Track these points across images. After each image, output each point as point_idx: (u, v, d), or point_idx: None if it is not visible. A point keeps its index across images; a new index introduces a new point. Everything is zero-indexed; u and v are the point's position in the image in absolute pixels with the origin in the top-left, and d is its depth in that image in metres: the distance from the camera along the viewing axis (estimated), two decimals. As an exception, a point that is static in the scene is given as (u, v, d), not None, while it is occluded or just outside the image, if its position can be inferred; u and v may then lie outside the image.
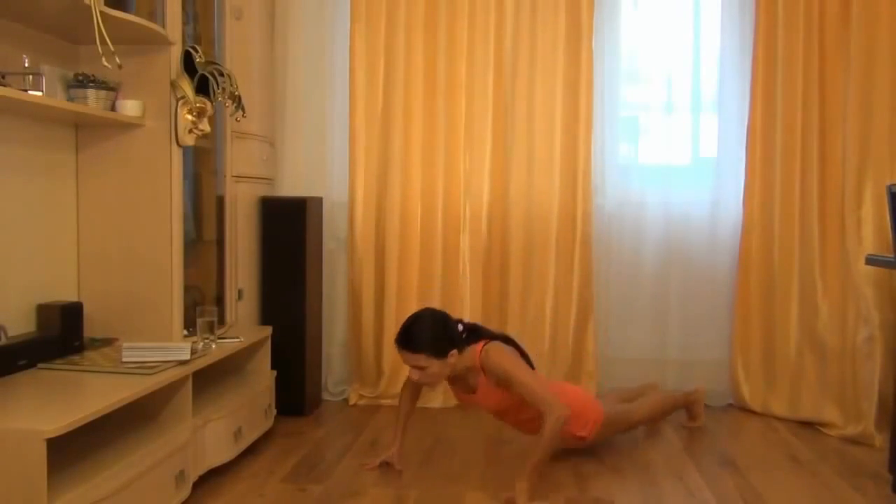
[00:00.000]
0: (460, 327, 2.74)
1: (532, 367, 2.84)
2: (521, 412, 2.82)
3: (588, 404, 2.96)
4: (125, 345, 2.50)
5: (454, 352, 2.64)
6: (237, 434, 2.82)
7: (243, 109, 3.04)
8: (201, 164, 3.11)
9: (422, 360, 2.61)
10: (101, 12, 2.31)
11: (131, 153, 2.75)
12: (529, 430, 2.91)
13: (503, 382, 2.70)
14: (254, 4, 3.46)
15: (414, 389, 2.93)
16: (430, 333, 2.63)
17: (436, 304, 3.74)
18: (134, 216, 2.76)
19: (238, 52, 3.27)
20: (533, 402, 2.62)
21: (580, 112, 3.67)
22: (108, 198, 2.78)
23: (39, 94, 2.34)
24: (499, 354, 2.69)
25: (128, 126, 2.73)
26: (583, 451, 3.02)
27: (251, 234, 3.47)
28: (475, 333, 2.79)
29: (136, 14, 2.55)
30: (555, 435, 2.54)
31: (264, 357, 3.26)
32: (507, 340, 2.86)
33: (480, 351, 2.71)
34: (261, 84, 3.56)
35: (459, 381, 2.78)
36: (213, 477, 2.69)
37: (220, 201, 3.21)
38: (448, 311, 3.70)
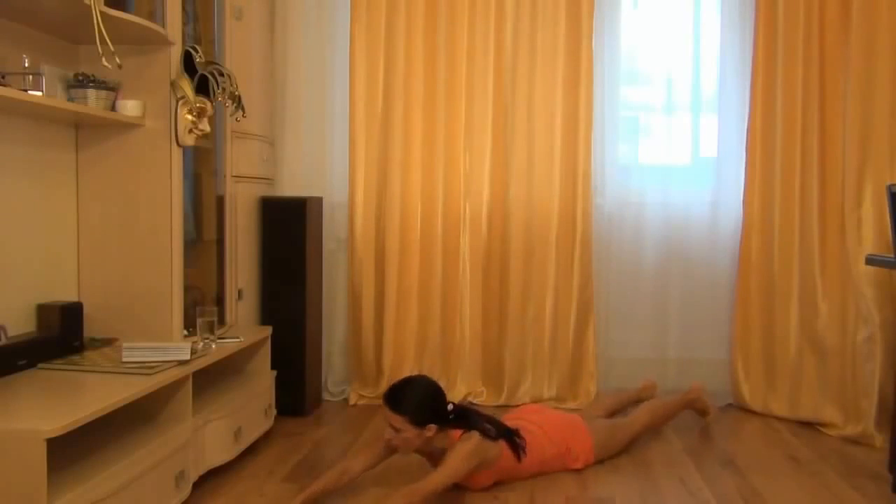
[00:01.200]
0: (450, 407, 2.64)
1: (518, 455, 2.69)
2: (491, 476, 2.71)
3: (576, 436, 2.87)
4: (125, 345, 2.50)
5: (433, 426, 2.56)
6: (237, 434, 2.82)
7: (243, 109, 3.04)
8: (201, 164, 3.11)
9: (399, 421, 2.53)
10: (101, 12, 2.31)
11: (131, 153, 2.75)
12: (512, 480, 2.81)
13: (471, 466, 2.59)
14: (254, 4, 3.46)
15: (372, 456, 2.67)
16: (417, 400, 2.56)
17: (436, 304, 3.76)
18: (134, 216, 2.76)
19: (238, 52, 3.27)
20: (429, 478, 2.49)
21: (580, 112, 3.67)
22: (108, 198, 2.78)
23: (39, 94, 2.34)
24: (462, 447, 2.54)
25: (128, 126, 2.73)
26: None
27: (251, 234, 3.47)
28: (465, 419, 2.66)
29: (136, 14, 2.55)
30: (413, 501, 2.41)
31: (264, 357, 3.26)
32: (508, 432, 2.72)
33: (459, 437, 2.61)
34: (261, 84, 3.57)
35: (436, 460, 2.64)
36: (213, 477, 2.69)
37: (220, 201, 3.21)
38: (448, 311, 3.76)
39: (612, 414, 3.33)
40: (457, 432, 2.62)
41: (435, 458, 2.64)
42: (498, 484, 2.73)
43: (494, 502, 2.60)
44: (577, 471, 2.87)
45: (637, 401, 3.42)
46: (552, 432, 2.86)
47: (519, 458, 2.71)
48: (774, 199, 3.57)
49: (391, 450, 2.65)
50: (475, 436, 2.59)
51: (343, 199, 3.82)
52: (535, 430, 2.83)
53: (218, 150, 3.18)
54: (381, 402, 2.60)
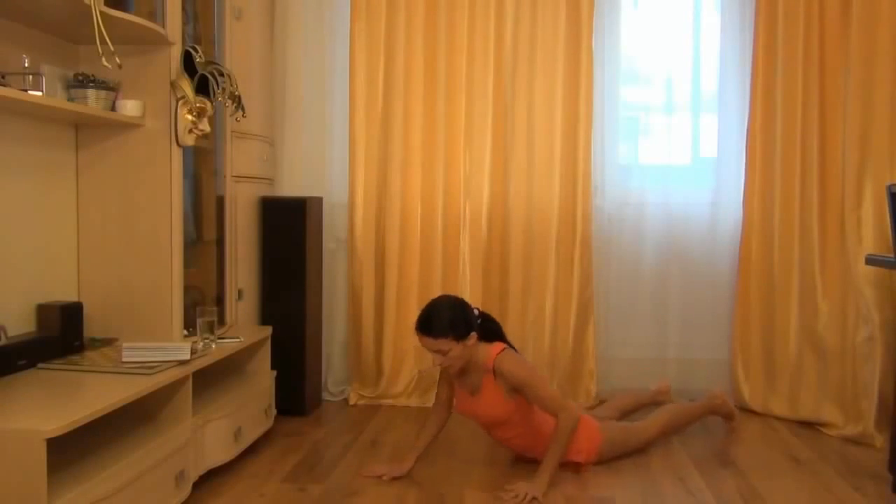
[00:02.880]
0: (476, 312, 2.77)
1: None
2: (514, 427, 2.81)
3: (584, 430, 2.86)
4: (125, 345, 2.50)
5: (474, 334, 2.68)
6: (237, 434, 2.82)
7: (243, 109, 3.04)
8: (201, 164, 3.11)
9: (443, 343, 2.62)
10: (101, 12, 2.31)
11: (131, 153, 2.75)
12: (517, 447, 2.91)
13: (515, 390, 2.72)
14: (254, 4, 3.46)
15: (442, 412, 2.90)
16: (450, 316, 2.65)
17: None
18: (134, 216, 2.76)
19: (238, 52, 3.27)
20: (548, 410, 2.72)
21: (580, 112, 3.67)
22: (108, 198, 2.78)
23: (39, 94, 2.34)
24: (515, 363, 2.73)
25: (128, 126, 2.73)
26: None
27: (251, 234, 3.47)
28: (490, 329, 2.80)
29: (136, 14, 2.55)
30: (568, 431, 2.68)
31: (264, 357, 3.26)
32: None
33: (496, 356, 2.72)
34: (261, 84, 3.56)
35: (466, 378, 2.77)
36: (213, 477, 2.69)
37: (220, 201, 3.21)
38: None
39: (625, 415, 3.32)
40: (490, 347, 2.75)
41: (470, 379, 2.78)
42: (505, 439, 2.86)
43: (495, 502, 2.60)
44: (576, 465, 2.86)
45: (652, 404, 3.39)
46: None
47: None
48: (774, 199, 3.57)
49: (447, 378, 2.86)
50: (510, 351, 2.78)
51: (343, 199, 3.82)
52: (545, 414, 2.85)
53: (218, 150, 3.18)
54: (416, 333, 2.69)
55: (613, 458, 2.98)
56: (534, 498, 2.57)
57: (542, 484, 2.62)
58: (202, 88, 2.79)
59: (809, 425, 3.45)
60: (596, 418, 3.01)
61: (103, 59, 2.30)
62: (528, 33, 3.69)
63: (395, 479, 2.76)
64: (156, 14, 2.69)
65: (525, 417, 2.79)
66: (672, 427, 3.22)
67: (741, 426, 3.46)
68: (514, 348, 2.86)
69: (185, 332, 2.85)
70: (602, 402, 3.60)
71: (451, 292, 3.75)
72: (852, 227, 3.37)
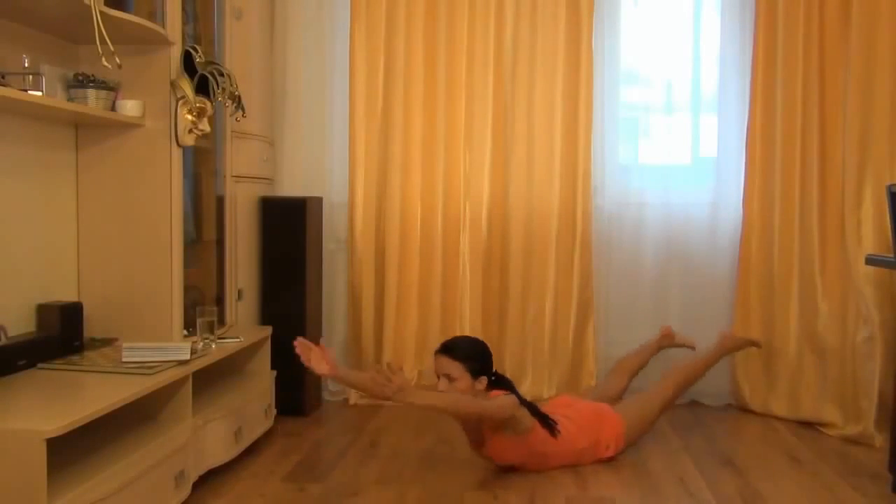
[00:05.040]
0: (494, 370, 2.83)
1: (552, 432, 2.76)
2: (534, 464, 2.81)
3: (605, 424, 2.93)
4: (125, 345, 2.50)
5: (484, 379, 2.71)
6: (237, 434, 2.82)
7: (243, 109, 3.04)
8: (201, 164, 3.11)
9: (455, 369, 2.67)
10: (101, 12, 2.31)
11: (131, 153, 2.75)
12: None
13: (518, 433, 2.71)
14: (254, 4, 3.46)
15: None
16: (473, 350, 2.74)
17: (436, 304, 3.76)
18: (134, 216, 2.76)
19: (238, 52, 3.27)
20: (501, 416, 2.64)
21: (580, 112, 3.67)
22: (108, 198, 2.78)
23: (39, 94, 2.34)
24: (504, 398, 2.69)
25: (128, 126, 2.73)
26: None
27: (251, 234, 3.47)
28: (506, 383, 2.83)
29: (136, 14, 2.55)
30: (485, 409, 2.60)
31: (264, 357, 3.26)
32: (542, 414, 2.79)
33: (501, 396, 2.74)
34: (261, 84, 3.56)
35: (472, 427, 2.77)
36: (213, 477, 2.69)
37: (220, 201, 3.21)
38: (448, 311, 3.76)
39: (635, 373, 3.34)
40: (497, 393, 2.75)
41: (477, 428, 2.75)
42: (526, 470, 2.79)
43: (495, 502, 2.60)
44: (609, 459, 2.92)
45: (658, 349, 3.42)
46: (582, 423, 2.91)
47: (555, 436, 2.76)
48: (774, 199, 3.57)
49: None
50: (514, 397, 2.72)
51: (343, 199, 3.82)
52: (567, 423, 2.87)
53: (218, 150, 3.18)
54: (435, 354, 2.73)
55: (640, 435, 3.05)
56: (399, 390, 2.51)
57: (412, 392, 2.58)
58: (202, 88, 2.79)
59: (809, 425, 3.45)
60: (612, 405, 3.04)
61: (103, 59, 2.30)
62: (528, 33, 3.69)
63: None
64: (156, 14, 2.69)
65: (531, 449, 2.78)
66: (687, 383, 3.25)
67: (741, 426, 3.46)
68: (545, 417, 2.79)
69: (185, 332, 2.85)
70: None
71: (451, 292, 3.76)
72: (852, 228, 3.37)
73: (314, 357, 2.68)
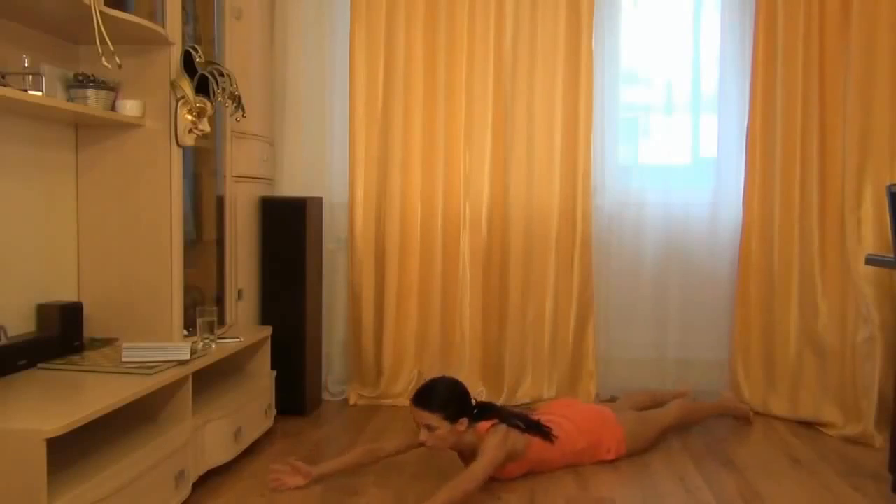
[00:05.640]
0: (473, 402, 2.75)
1: (549, 439, 2.78)
2: (536, 470, 2.82)
3: (606, 427, 2.95)
4: (125, 345, 2.50)
5: (464, 420, 2.66)
6: (237, 434, 2.82)
7: (243, 109, 3.04)
8: (201, 164, 3.11)
9: (433, 419, 2.61)
10: (101, 12, 2.31)
11: (131, 153, 2.75)
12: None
13: (510, 457, 2.70)
14: (254, 4, 3.46)
15: (378, 453, 2.80)
16: (446, 396, 2.66)
17: (436, 304, 3.76)
18: (134, 216, 2.76)
19: (238, 52, 3.27)
20: (471, 469, 2.58)
21: (580, 112, 3.67)
22: (108, 198, 2.78)
23: (39, 94, 2.34)
24: (492, 439, 2.65)
25: (128, 126, 2.73)
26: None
27: (251, 234, 3.47)
28: (488, 411, 2.78)
29: (136, 14, 2.55)
30: (459, 492, 2.49)
31: (264, 357, 3.26)
32: (534, 423, 2.80)
33: (487, 430, 2.71)
34: (261, 84, 3.56)
35: (467, 457, 2.75)
36: (213, 477, 2.69)
37: (220, 201, 3.21)
38: (448, 311, 3.76)
39: (643, 410, 3.32)
40: (484, 425, 2.72)
41: (466, 454, 2.73)
42: (530, 474, 2.80)
43: (496, 502, 2.60)
44: (611, 462, 2.92)
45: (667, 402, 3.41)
46: (582, 424, 2.92)
47: (552, 441, 2.77)
48: (774, 199, 3.57)
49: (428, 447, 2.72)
50: (502, 427, 2.70)
51: (343, 199, 3.82)
52: (565, 424, 2.88)
53: (218, 150, 3.18)
54: (409, 405, 2.68)
55: (643, 447, 3.04)
56: None
57: None
58: (202, 88, 2.79)
59: (809, 425, 3.45)
60: (615, 410, 3.06)
61: (103, 59, 2.30)
62: (528, 33, 3.69)
63: (295, 481, 2.67)
64: (156, 14, 2.69)
65: (531, 459, 2.78)
66: (685, 419, 3.27)
67: (741, 426, 3.46)
68: (537, 425, 2.79)
69: (185, 332, 2.85)
70: (614, 398, 3.64)
71: (451, 292, 3.76)
72: (852, 228, 3.37)
73: (287, 478, 2.68)
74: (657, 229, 3.80)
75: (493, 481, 2.72)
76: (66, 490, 1.92)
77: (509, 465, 2.72)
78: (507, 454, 2.67)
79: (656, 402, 3.39)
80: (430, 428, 2.62)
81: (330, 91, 3.84)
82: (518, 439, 2.72)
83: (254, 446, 3.01)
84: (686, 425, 3.33)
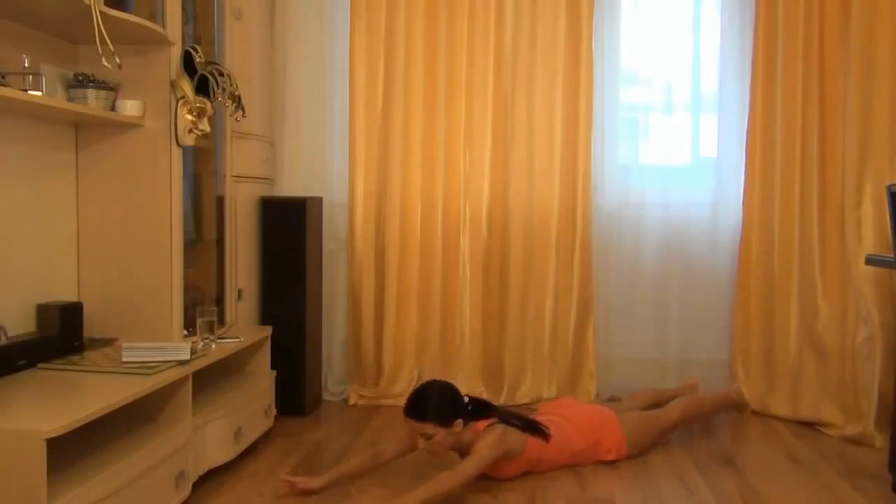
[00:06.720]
0: (466, 400, 2.74)
1: (545, 438, 2.79)
2: (534, 469, 2.82)
3: (607, 428, 2.94)
4: (125, 345, 2.50)
5: (459, 421, 2.65)
6: (237, 434, 2.82)
7: (243, 109, 3.04)
8: (201, 164, 3.11)
9: (428, 428, 2.61)
10: (101, 12, 2.31)
11: (131, 153, 2.75)
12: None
13: (507, 455, 2.70)
14: (254, 4, 3.46)
15: (378, 458, 2.77)
16: (437, 402, 2.65)
17: (436, 304, 3.76)
18: (134, 216, 2.76)
19: (238, 52, 3.27)
20: (456, 469, 2.59)
21: (580, 112, 3.67)
22: (108, 198, 2.78)
23: (39, 94, 2.34)
24: (487, 437, 2.65)
25: (128, 126, 2.73)
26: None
27: (251, 234, 3.47)
28: (483, 410, 2.77)
29: (136, 14, 2.55)
30: (441, 489, 2.49)
31: (264, 357, 3.26)
32: (530, 422, 2.80)
33: (484, 429, 2.70)
34: (261, 84, 3.56)
35: (465, 456, 2.73)
36: (213, 477, 2.69)
37: (220, 201, 3.21)
38: (448, 311, 3.76)
39: (647, 409, 3.32)
40: (480, 424, 2.71)
41: (464, 453, 2.72)
42: (529, 474, 2.80)
43: (494, 502, 2.60)
44: (611, 462, 2.92)
45: (674, 398, 3.40)
46: (581, 424, 2.91)
47: (547, 440, 2.77)
48: (774, 199, 3.57)
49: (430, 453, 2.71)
50: (498, 427, 2.70)
51: (343, 199, 3.82)
52: (564, 424, 2.88)
53: (218, 150, 3.18)
54: (403, 415, 2.66)
55: (645, 448, 3.03)
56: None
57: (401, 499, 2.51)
58: (202, 88, 2.79)
59: (809, 425, 3.45)
60: (616, 411, 3.05)
61: (103, 59, 2.30)
62: (528, 33, 3.68)
63: (304, 492, 2.63)
64: (156, 14, 2.68)
65: (528, 459, 2.78)
66: (687, 417, 3.24)
67: (741, 426, 3.46)
68: (534, 424, 2.80)
69: (185, 332, 2.85)
70: (614, 398, 3.64)
71: (451, 292, 3.76)
72: (852, 227, 3.37)
73: (300, 484, 2.64)
74: (657, 229, 3.80)
75: (493, 481, 2.72)
76: (66, 490, 1.92)
77: (507, 464, 2.72)
78: (504, 453, 2.68)
79: (661, 399, 3.38)
80: (426, 436, 2.62)
81: (330, 91, 3.84)
82: (516, 439, 2.72)
83: (254, 446, 3.01)
84: (692, 421, 3.31)
